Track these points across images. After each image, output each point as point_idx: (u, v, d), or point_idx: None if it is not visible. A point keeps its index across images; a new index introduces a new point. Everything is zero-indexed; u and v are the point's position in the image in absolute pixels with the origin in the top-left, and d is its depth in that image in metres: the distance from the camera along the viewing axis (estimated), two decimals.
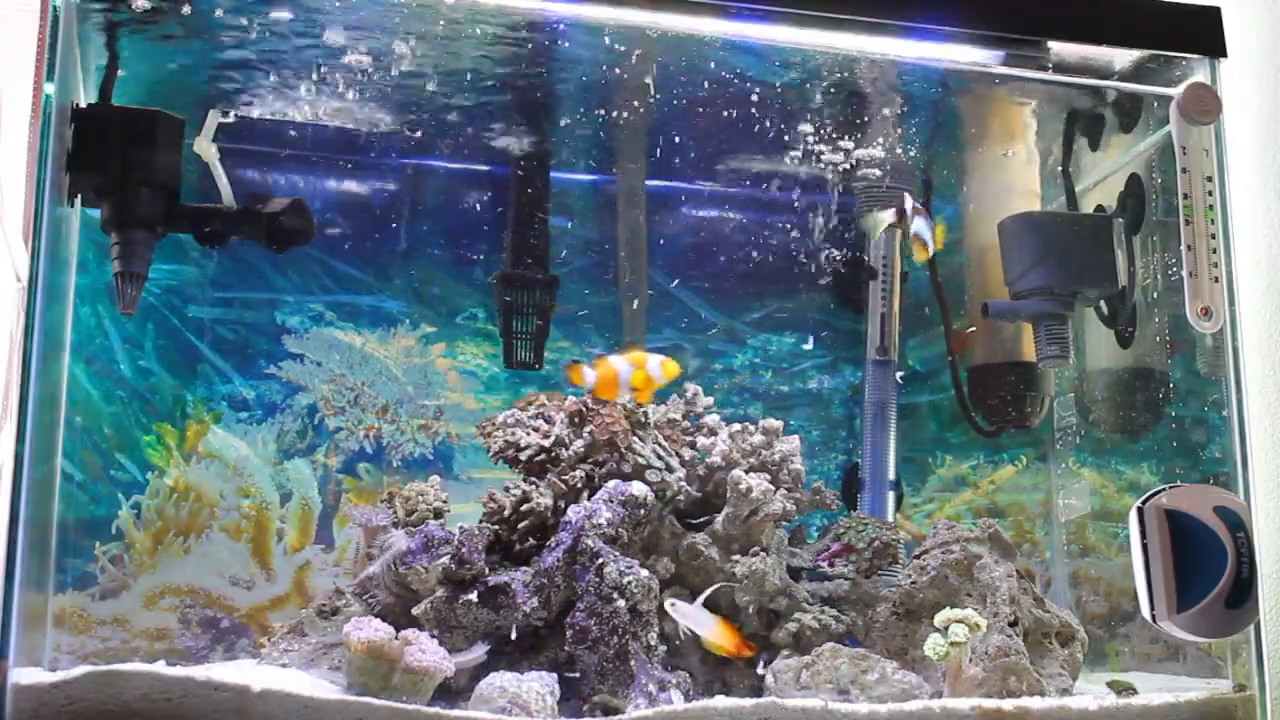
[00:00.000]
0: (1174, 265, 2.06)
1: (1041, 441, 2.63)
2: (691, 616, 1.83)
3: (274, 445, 2.35)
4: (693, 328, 2.60)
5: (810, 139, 2.35)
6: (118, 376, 2.29)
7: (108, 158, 1.90)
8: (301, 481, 2.35)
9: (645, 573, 1.86)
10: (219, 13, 1.95)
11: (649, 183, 2.58)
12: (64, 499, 2.13)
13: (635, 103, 2.27)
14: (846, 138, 2.36)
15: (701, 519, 2.06)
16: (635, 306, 2.54)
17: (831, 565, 2.12)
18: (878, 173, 2.48)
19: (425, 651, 1.72)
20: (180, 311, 2.34)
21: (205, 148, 2.02)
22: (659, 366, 1.92)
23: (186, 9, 1.91)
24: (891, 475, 2.53)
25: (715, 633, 1.83)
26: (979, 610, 1.91)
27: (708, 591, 1.88)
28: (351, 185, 2.48)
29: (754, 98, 2.25)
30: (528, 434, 2.05)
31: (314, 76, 2.13)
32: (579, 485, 1.97)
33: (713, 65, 2.15)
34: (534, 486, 1.99)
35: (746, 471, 2.04)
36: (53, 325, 1.78)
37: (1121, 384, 2.36)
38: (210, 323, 2.35)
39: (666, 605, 1.83)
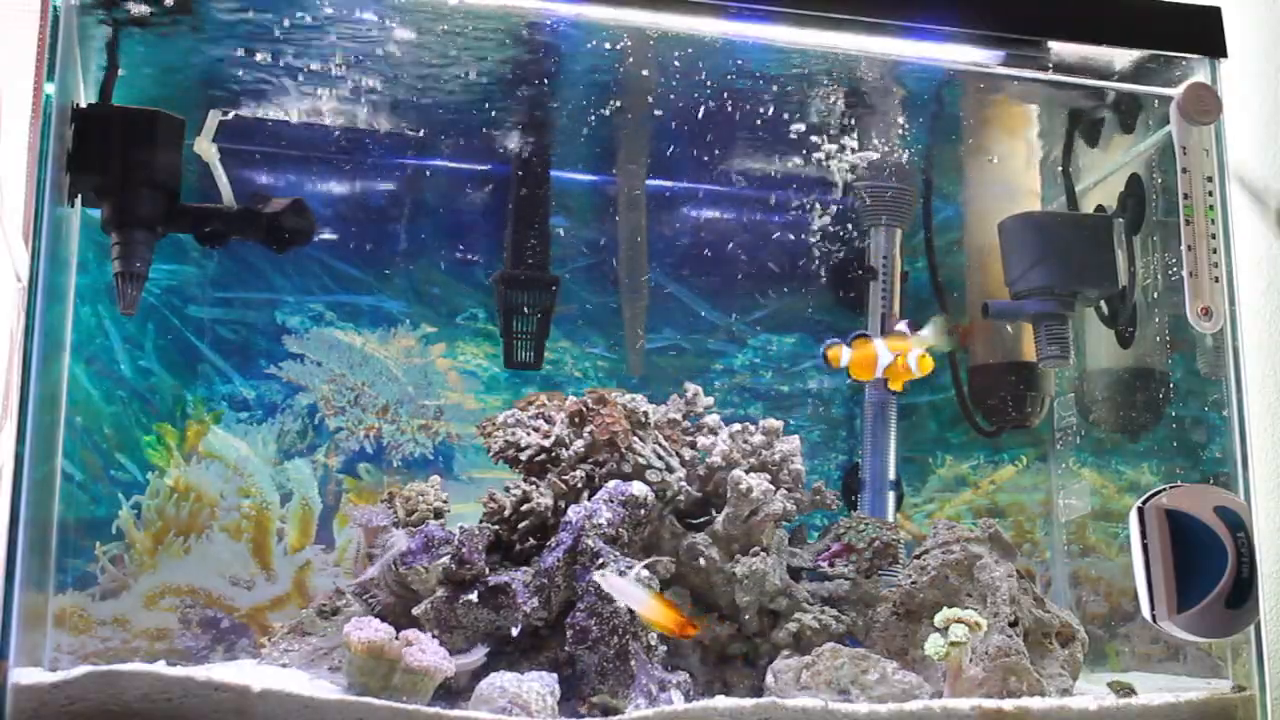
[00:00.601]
0: (1174, 265, 2.06)
1: (1042, 441, 2.63)
2: (622, 591, 1.74)
3: (274, 445, 2.35)
4: (693, 328, 2.60)
5: (810, 139, 2.35)
6: (118, 376, 2.29)
7: (108, 158, 1.89)
8: (302, 481, 2.35)
9: (645, 573, 1.86)
10: (219, 13, 1.96)
11: (649, 182, 2.58)
12: (64, 499, 2.13)
13: (635, 103, 2.28)
14: (847, 138, 2.36)
15: (702, 519, 2.06)
16: (636, 306, 2.54)
17: (832, 565, 2.12)
18: (871, 173, 2.49)
19: (425, 651, 1.72)
20: (180, 311, 2.34)
21: (205, 148, 2.02)
22: (916, 360, 1.92)
23: (187, 9, 1.92)
24: (892, 475, 2.53)
25: (650, 608, 1.73)
26: (979, 610, 1.91)
27: (640, 565, 1.82)
28: (352, 185, 2.48)
29: (754, 98, 2.25)
30: (528, 434, 2.05)
31: (314, 76, 2.13)
32: (579, 485, 1.97)
33: (713, 65, 2.15)
34: (534, 486, 1.99)
35: (747, 471, 2.04)
36: (53, 325, 1.78)
37: (1122, 384, 2.36)
38: (210, 323, 2.35)
39: (596, 577, 1.75)
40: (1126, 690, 1.94)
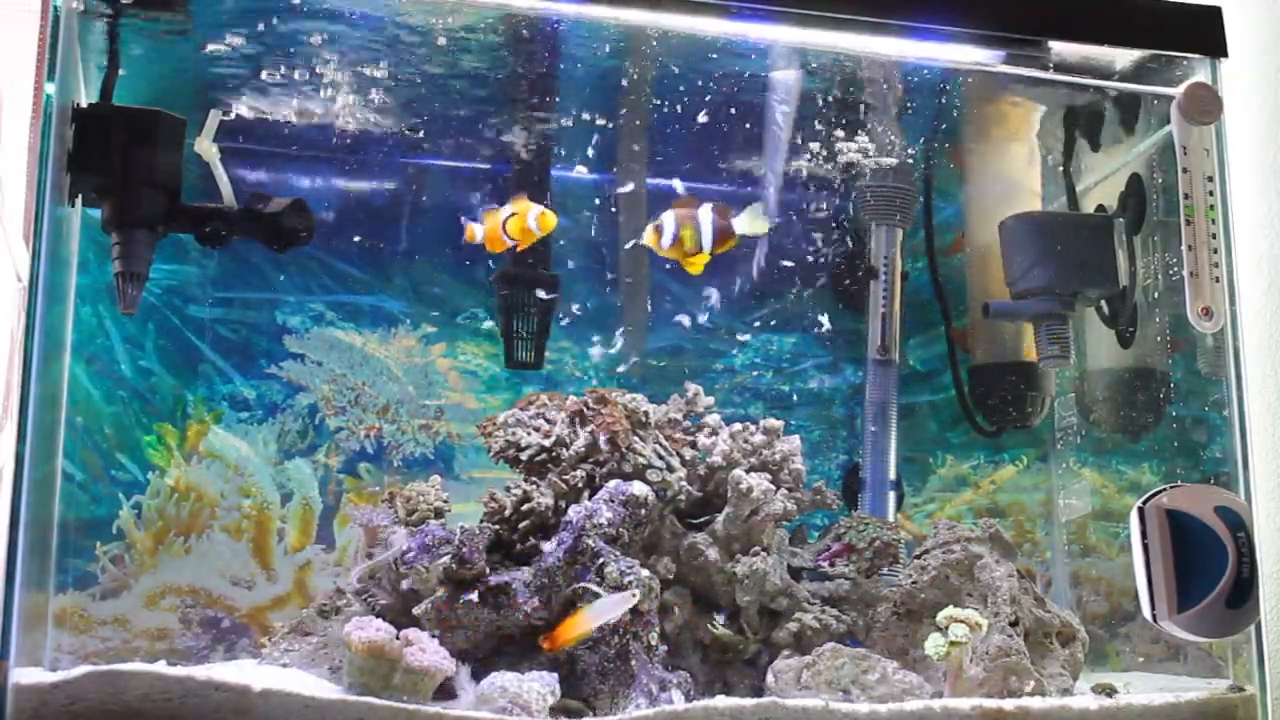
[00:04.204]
0: (1175, 265, 2.06)
1: (1042, 441, 2.63)
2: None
3: (275, 445, 2.35)
4: (693, 328, 2.60)
5: (810, 138, 2.35)
6: (118, 376, 2.29)
7: (109, 158, 1.89)
8: (302, 481, 2.35)
9: (646, 572, 1.86)
10: (220, 13, 1.96)
11: (650, 181, 2.58)
12: (65, 499, 2.13)
13: (636, 102, 2.27)
14: (847, 137, 2.36)
15: (702, 519, 2.06)
16: (636, 306, 2.54)
17: (832, 565, 2.12)
18: (872, 173, 2.49)
19: (425, 651, 1.72)
20: (181, 311, 2.34)
21: (206, 148, 2.02)
22: (536, 218, 1.95)
23: (187, 8, 1.92)
24: (892, 475, 2.53)
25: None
26: (980, 610, 1.91)
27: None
28: (352, 184, 2.48)
29: (755, 97, 2.25)
30: (528, 434, 2.05)
31: (315, 76, 2.13)
32: (580, 485, 1.97)
33: (714, 64, 2.15)
34: (535, 486, 1.99)
35: (747, 471, 2.04)
36: (53, 325, 1.78)
37: (1122, 384, 2.36)
38: (211, 322, 2.35)
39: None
40: (1109, 690, 1.94)
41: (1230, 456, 2.00)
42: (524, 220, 1.95)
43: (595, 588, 1.79)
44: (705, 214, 1.96)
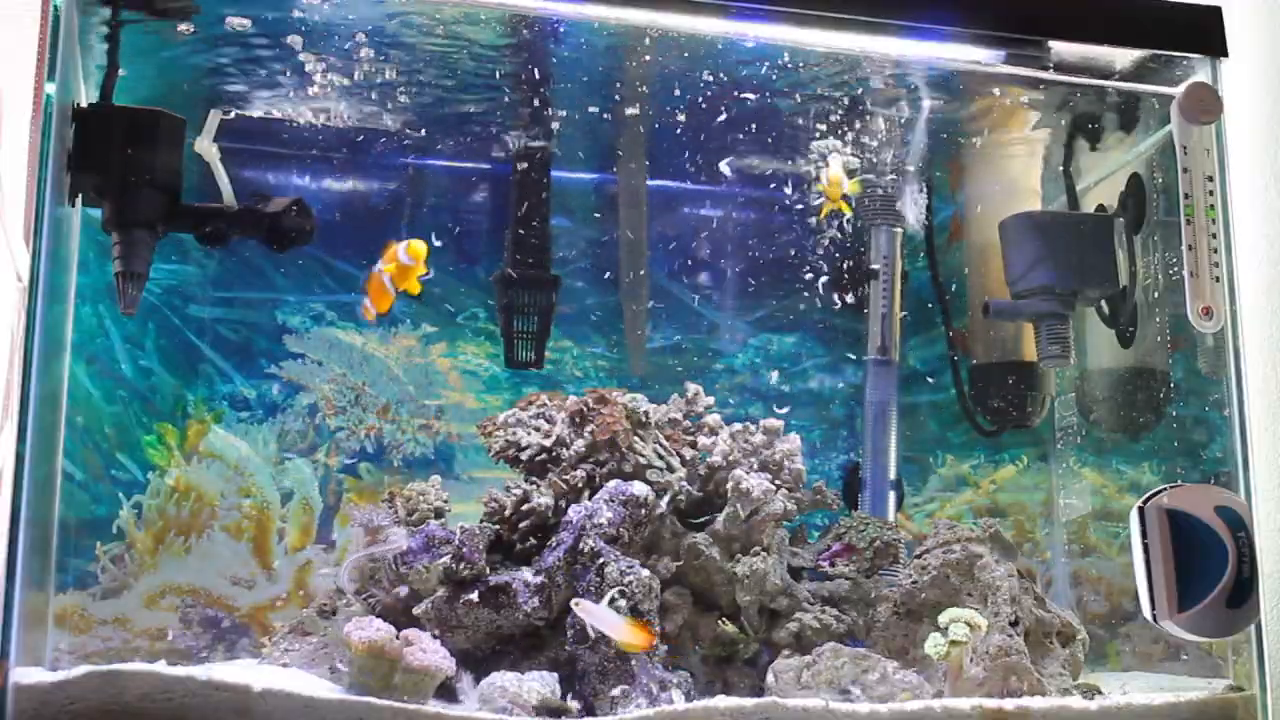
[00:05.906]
0: (1175, 265, 2.06)
1: (1042, 441, 2.63)
2: (598, 616, 1.75)
3: (275, 445, 2.35)
4: (694, 327, 2.60)
5: (811, 138, 2.35)
6: (119, 376, 2.29)
7: (109, 157, 1.90)
8: (302, 481, 2.35)
9: (646, 572, 1.86)
10: (220, 12, 1.96)
11: (650, 182, 2.58)
12: (65, 499, 2.13)
13: (636, 102, 2.28)
14: (847, 137, 2.36)
15: (702, 519, 2.06)
16: (636, 306, 2.54)
17: (833, 565, 2.12)
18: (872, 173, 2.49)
19: (426, 651, 1.72)
20: (181, 311, 2.34)
21: (206, 147, 2.02)
22: (405, 250, 1.90)
23: (188, 9, 1.92)
24: (892, 475, 2.53)
25: (623, 631, 1.74)
26: (980, 610, 1.91)
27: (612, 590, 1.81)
28: (352, 184, 2.48)
29: (755, 97, 2.24)
30: (529, 434, 2.05)
31: (315, 76, 2.13)
32: (580, 485, 1.97)
33: (714, 64, 2.15)
34: (535, 486, 1.99)
35: (747, 471, 2.04)
36: (53, 325, 1.78)
37: (1122, 384, 2.36)
38: (211, 322, 2.36)
39: (572, 604, 1.75)
40: (1093, 691, 1.93)
41: (1230, 456, 2.00)
42: (395, 256, 1.92)
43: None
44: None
